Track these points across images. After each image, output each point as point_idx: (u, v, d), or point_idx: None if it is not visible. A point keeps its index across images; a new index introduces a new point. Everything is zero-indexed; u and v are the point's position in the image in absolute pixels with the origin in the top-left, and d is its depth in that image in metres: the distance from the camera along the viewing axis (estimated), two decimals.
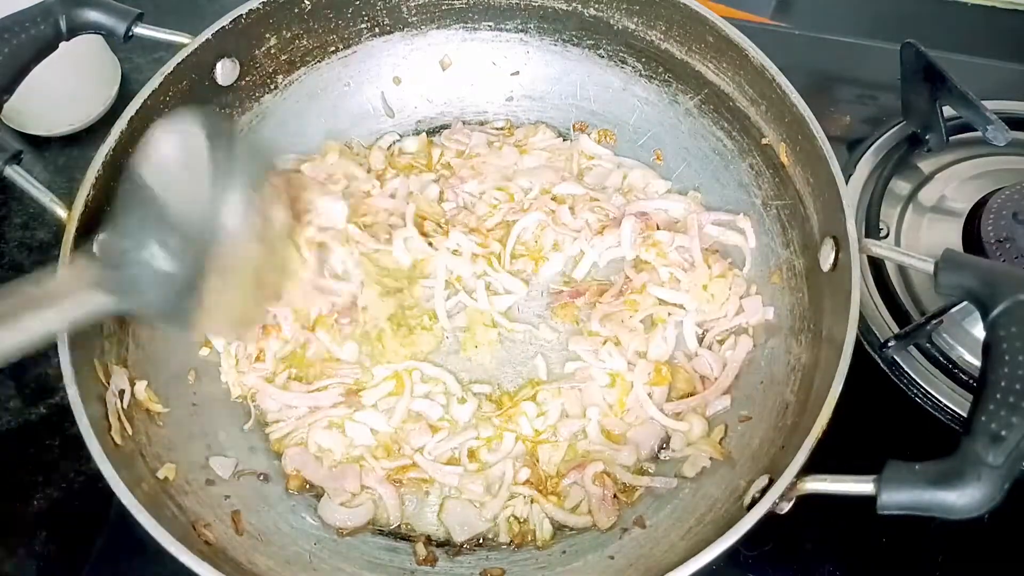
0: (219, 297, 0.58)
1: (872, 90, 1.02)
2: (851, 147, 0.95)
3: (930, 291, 0.84)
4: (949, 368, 0.80)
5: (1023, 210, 0.82)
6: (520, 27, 0.92)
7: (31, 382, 0.84)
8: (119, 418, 0.69)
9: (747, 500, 0.66)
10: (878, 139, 0.95)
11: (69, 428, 0.63)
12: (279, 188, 0.63)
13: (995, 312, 0.60)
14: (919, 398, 0.80)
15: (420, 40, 0.93)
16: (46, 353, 0.82)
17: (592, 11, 0.88)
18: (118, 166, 0.75)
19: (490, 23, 0.93)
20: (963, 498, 0.55)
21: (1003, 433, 0.56)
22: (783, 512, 0.62)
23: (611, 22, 0.89)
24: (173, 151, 0.57)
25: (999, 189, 0.86)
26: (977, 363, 0.79)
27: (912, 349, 0.81)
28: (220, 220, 0.55)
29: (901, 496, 0.57)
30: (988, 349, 0.60)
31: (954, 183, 0.91)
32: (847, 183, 0.75)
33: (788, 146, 0.79)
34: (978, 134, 0.86)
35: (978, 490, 0.55)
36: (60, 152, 0.97)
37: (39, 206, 0.70)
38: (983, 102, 0.84)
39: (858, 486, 0.59)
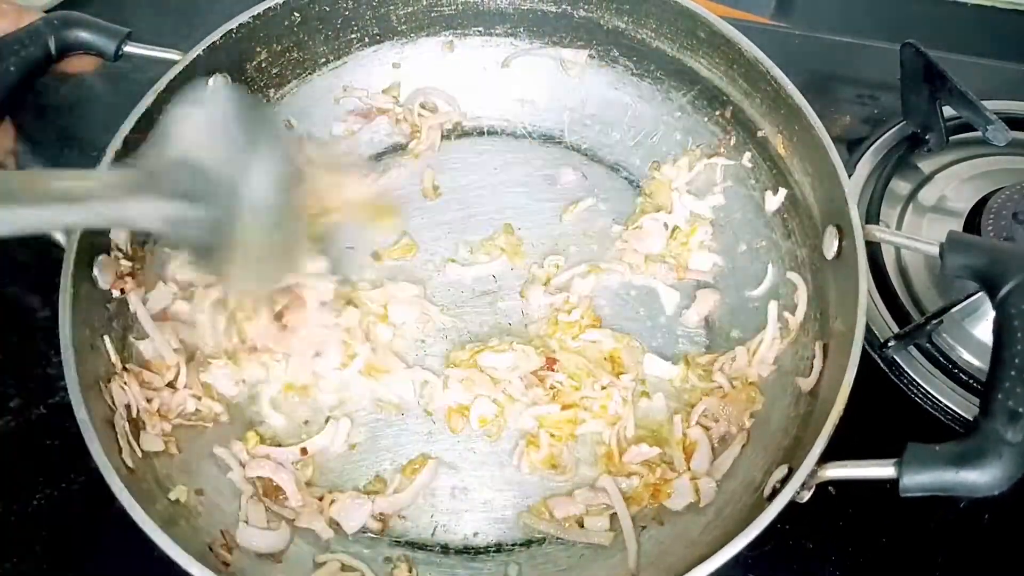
0: (240, 250, 0.61)
1: (872, 90, 1.02)
2: (851, 147, 0.96)
3: (930, 291, 0.86)
4: (949, 368, 0.80)
5: (1023, 210, 0.82)
6: (510, 31, 0.92)
7: (31, 382, 0.83)
8: (128, 441, 0.68)
9: (767, 491, 0.66)
10: (878, 139, 0.95)
11: (69, 428, 0.62)
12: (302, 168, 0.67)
13: (1004, 291, 0.61)
14: (919, 398, 0.80)
15: (410, 48, 0.93)
16: (46, 353, 0.83)
17: (582, 12, 0.89)
18: None
19: (479, 28, 0.93)
20: (984, 476, 0.56)
21: (1020, 410, 0.56)
22: (803, 501, 0.62)
23: (601, 22, 0.89)
24: (211, 110, 0.61)
25: (999, 189, 0.86)
26: (977, 363, 0.80)
27: (912, 349, 0.81)
28: (249, 177, 0.59)
29: (922, 478, 0.57)
30: (999, 328, 0.61)
31: (954, 183, 0.92)
32: None
33: (785, 137, 0.80)
34: (978, 134, 0.87)
35: (999, 468, 0.56)
36: (59, 153, 0.97)
37: None
38: (983, 102, 0.85)
39: (879, 470, 0.59)
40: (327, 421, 0.79)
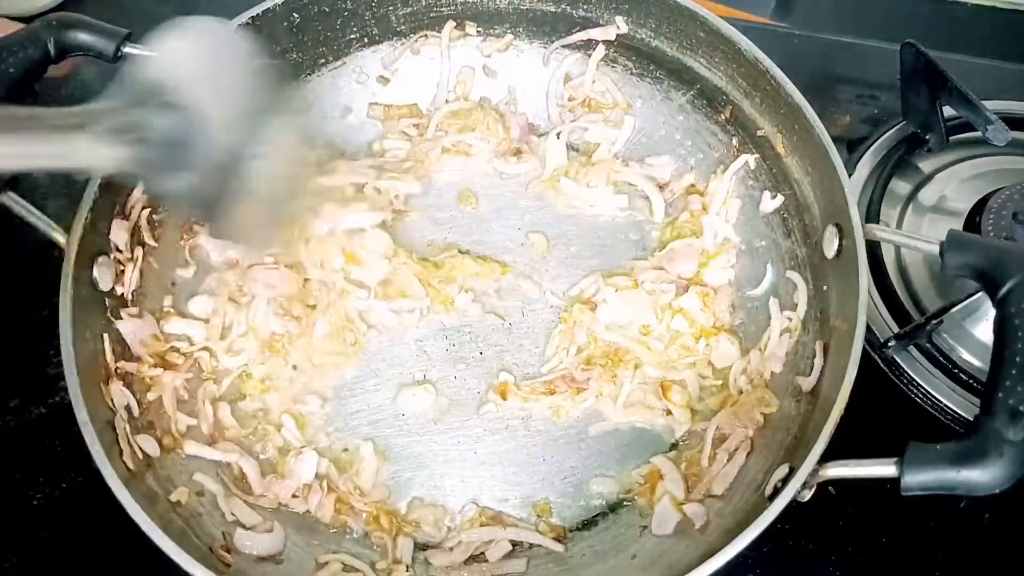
0: (239, 202, 0.55)
1: (872, 90, 1.02)
2: (851, 147, 0.96)
3: (930, 291, 0.86)
4: (949, 368, 0.80)
5: (1023, 210, 0.82)
6: (509, 31, 0.92)
7: (31, 382, 0.83)
8: (128, 442, 0.68)
9: (768, 490, 0.66)
10: (878, 139, 0.95)
11: (69, 428, 0.63)
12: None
13: (1005, 289, 0.60)
14: (919, 398, 0.80)
15: (409, 48, 0.93)
16: (46, 353, 0.83)
17: (581, 12, 0.89)
18: (114, 188, 0.75)
19: (479, 28, 0.92)
20: (985, 475, 0.56)
21: (1021, 409, 0.56)
22: (804, 500, 0.62)
23: (600, 22, 0.89)
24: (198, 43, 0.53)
25: (999, 189, 0.86)
26: (977, 363, 0.80)
27: (912, 349, 0.81)
28: (249, 125, 0.53)
29: (923, 476, 0.57)
30: (1000, 327, 0.60)
31: (954, 183, 0.92)
32: None
33: (784, 136, 0.80)
34: (978, 134, 0.87)
35: (1000, 467, 0.55)
36: None
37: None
38: (983, 102, 0.85)
39: (880, 469, 0.59)
40: None
